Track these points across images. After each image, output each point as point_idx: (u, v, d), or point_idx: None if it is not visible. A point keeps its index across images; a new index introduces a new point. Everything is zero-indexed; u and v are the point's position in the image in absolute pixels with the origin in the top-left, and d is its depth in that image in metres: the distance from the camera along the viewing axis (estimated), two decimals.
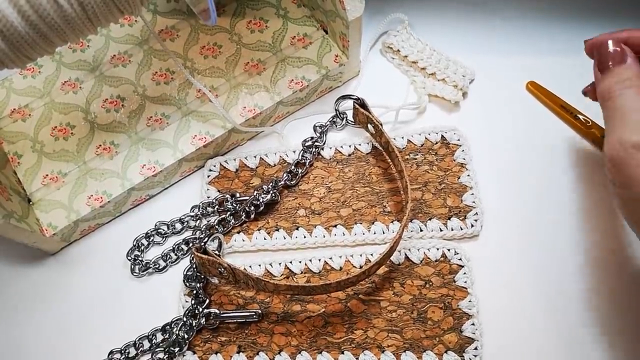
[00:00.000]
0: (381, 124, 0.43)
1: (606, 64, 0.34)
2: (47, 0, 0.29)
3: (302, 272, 0.42)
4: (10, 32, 0.29)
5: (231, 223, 0.43)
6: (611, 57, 0.34)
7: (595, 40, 0.36)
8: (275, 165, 0.45)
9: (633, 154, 0.30)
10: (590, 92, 0.40)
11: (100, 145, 0.44)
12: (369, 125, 0.44)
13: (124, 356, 0.40)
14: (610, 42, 0.35)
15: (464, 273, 0.41)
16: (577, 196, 0.43)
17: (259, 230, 0.43)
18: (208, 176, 0.45)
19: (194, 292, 0.41)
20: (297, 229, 0.43)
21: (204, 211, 0.44)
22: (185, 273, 0.42)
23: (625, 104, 0.32)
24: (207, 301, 0.41)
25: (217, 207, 0.44)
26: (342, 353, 0.39)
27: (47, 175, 0.43)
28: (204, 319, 0.40)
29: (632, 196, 0.31)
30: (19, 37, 0.30)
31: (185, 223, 0.44)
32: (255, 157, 0.46)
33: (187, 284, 0.41)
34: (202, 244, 0.39)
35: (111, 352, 0.40)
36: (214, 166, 0.46)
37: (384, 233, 0.42)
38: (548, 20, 0.49)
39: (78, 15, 0.31)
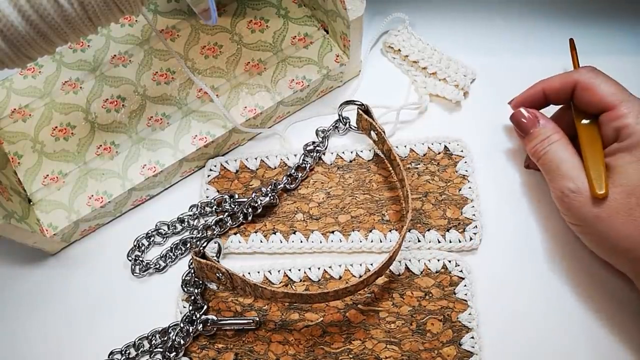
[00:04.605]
0: (384, 132, 0.42)
1: (526, 131, 0.40)
2: (47, 0, 0.29)
3: (301, 280, 0.41)
4: (10, 31, 0.29)
5: (228, 224, 0.43)
6: (526, 125, 0.40)
7: (511, 115, 0.41)
8: (275, 168, 0.45)
9: (573, 197, 0.36)
10: (531, 162, 0.43)
11: (100, 146, 0.44)
12: (372, 132, 0.44)
13: (124, 357, 0.40)
14: (522, 111, 0.41)
15: (465, 285, 0.40)
16: None
17: (255, 232, 0.43)
18: (208, 176, 0.45)
19: (192, 297, 0.41)
20: (294, 233, 0.43)
21: (202, 211, 0.44)
22: (183, 278, 0.42)
23: (554, 158, 0.38)
24: (205, 307, 0.40)
25: (215, 207, 0.44)
26: None
27: (47, 175, 0.43)
28: (201, 325, 0.40)
29: (584, 230, 0.37)
30: (19, 36, 0.29)
31: (186, 223, 0.44)
32: (256, 159, 0.46)
33: (185, 289, 0.41)
34: (201, 248, 0.39)
35: (112, 353, 0.40)
36: (215, 166, 0.46)
37: (381, 242, 0.42)
38: (550, 20, 0.49)
39: (78, 15, 0.31)
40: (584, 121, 0.39)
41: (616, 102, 0.37)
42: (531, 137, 0.40)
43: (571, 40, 0.45)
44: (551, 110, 0.42)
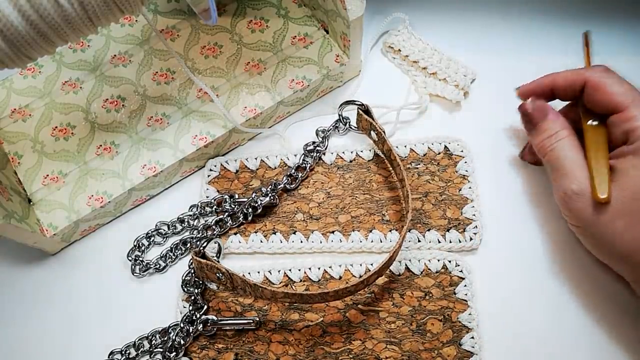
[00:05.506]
0: (384, 132, 0.42)
1: (534, 123, 0.39)
2: (47, 0, 0.29)
3: (301, 281, 0.41)
4: (10, 31, 0.29)
5: (228, 224, 0.43)
6: (535, 117, 0.38)
7: (520, 105, 0.40)
8: (275, 168, 0.45)
9: (576, 198, 0.35)
10: (526, 154, 0.43)
11: (100, 146, 0.44)
12: (372, 132, 0.44)
13: (124, 357, 0.40)
14: (529, 103, 0.39)
15: (465, 285, 0.40)
16: None
17: (255, 232, 0.43)
18: (208, 176, 0.45)
19: (192, 297, 0.41)
20: (294, 233, 0.43)
21: (202, 211, 0.44)
22: (183, 278, 0.42)
23: (560, 156, 0.37)
24: (205, 307, 0.40)
25: (215, 207, 0.44)
26: None
27: (47, 175, 0.43)
28: (201, 326, 0.40)
29: (584, 232, 0.37)
30: (19, 36, 0.30)
31: (186, 223, 0.44)
32: (256, 159, 0.46)
33: (185, 290, 0.41)
34: (201, 248, 0.39)
35: (112, 353, 0.40)
36: (215, 166, 0.46)
37: (381, 242, 0.42)
38: (550, 19, 0.49)
39: (78, 15, 0.31)
40: (591, 122, 0.38)
41: (626, 103, 0.35)
42: (539, 131, 0.38)
43: (585, 34, 0.42)
44: (555, 106, 0.42)
